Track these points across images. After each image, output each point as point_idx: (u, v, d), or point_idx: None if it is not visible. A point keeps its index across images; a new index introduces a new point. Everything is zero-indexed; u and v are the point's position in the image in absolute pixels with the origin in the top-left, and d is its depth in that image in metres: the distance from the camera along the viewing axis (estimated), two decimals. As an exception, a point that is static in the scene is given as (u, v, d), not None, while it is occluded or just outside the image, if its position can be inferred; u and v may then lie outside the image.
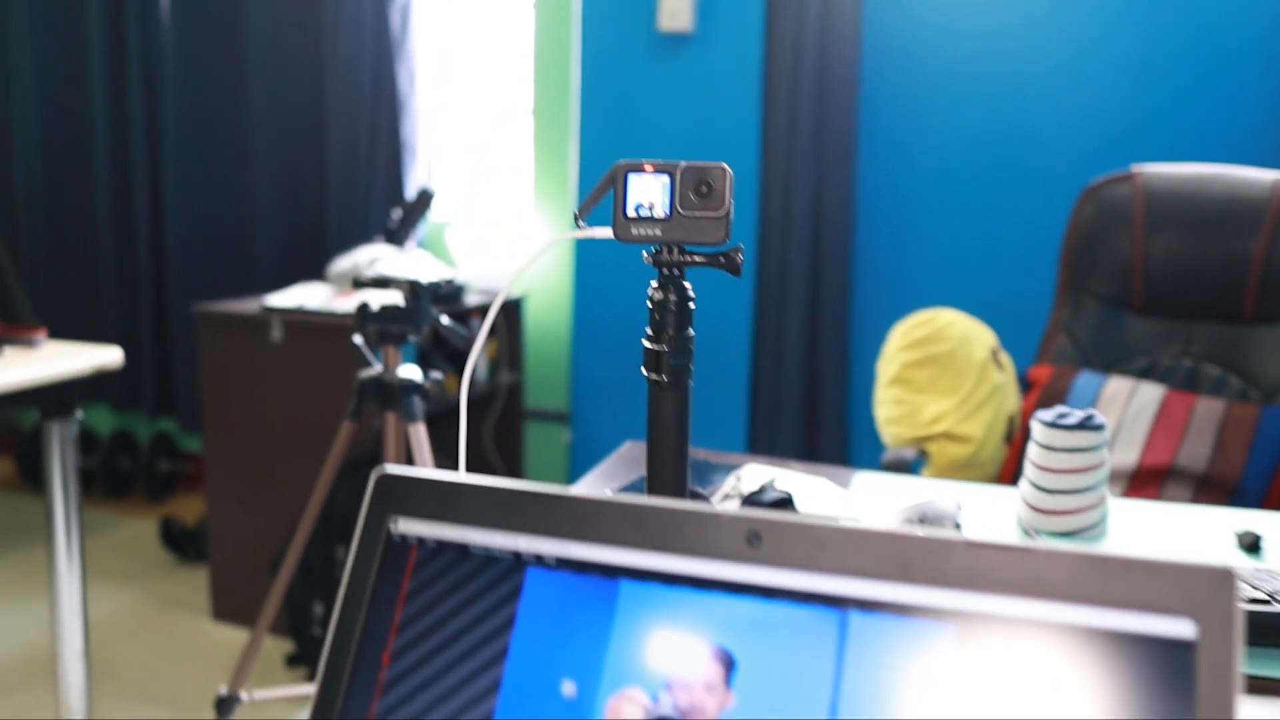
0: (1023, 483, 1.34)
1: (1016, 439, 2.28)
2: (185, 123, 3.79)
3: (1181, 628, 0.50)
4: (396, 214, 3.31)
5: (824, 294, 3.13)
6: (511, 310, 3.47)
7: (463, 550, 0.62)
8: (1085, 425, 1.29)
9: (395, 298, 1.60)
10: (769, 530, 0.57)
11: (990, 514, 1.36)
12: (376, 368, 1.62)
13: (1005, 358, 2.34)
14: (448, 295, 3.06)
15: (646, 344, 0.89)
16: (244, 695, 1.77)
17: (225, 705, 1.76)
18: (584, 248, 3.36)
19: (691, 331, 0.89)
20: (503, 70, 3.70)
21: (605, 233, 0.88)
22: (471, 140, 3.78)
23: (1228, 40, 2.83)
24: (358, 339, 1.66)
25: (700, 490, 1.34)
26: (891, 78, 3.13)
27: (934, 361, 2.26)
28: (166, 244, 3.89)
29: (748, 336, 3.22)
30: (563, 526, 0.61)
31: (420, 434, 1.60)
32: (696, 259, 0.87)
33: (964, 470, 2.21)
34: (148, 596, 3.33)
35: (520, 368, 3.53)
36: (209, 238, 3.85)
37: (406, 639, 0.62)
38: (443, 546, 0.63)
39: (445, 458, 2.81)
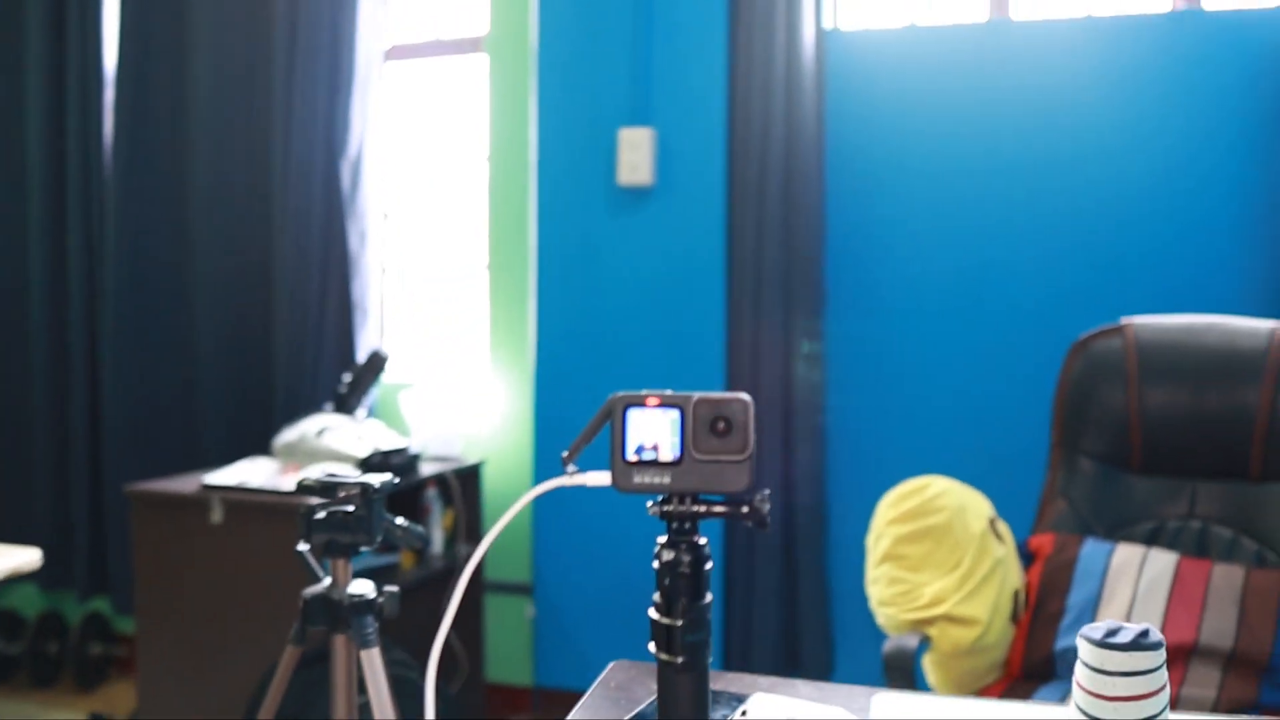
0: (1072, 709, 1.16)
1: (1024, 618, 2.11)
2: (125, 290, 3.62)
3: None
4: (347, 378, 3.14)
5: (797, 462, 2.97)
6: (469, 478, 3.28)
7: None
8: (1141, 644, 1.13)
9: (343, 502, 1.42)
10: None
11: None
12: (324, 583, 1.43)
13: (1004, 527, 2.18)
14: (401, 467, 2.88)
15: (655, 615, 0.72)
16: None
17: None
18: (544, 405, 3.19)
19: (709, 597, 0.72)
20: (457, 228, 3.59)
21: (602, 479, 0.72)
22: (425, 300, 3.65)
23: (1206, 189, 2.78)
24: (303, 548, 1.47)
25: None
26: (859, 229, 3.04)
27: (928, 535, 2.10)
28: (103, 415, 3.68)
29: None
30: None
31: (375, 661, 1.40)
32: (715, 509, 0.71)
33: (970, 656, 2.03)
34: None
35: (479, 538, 3.32)
36: (149, 409, 3.65)
37: None
38: None
39: (411, 649, 2.59)
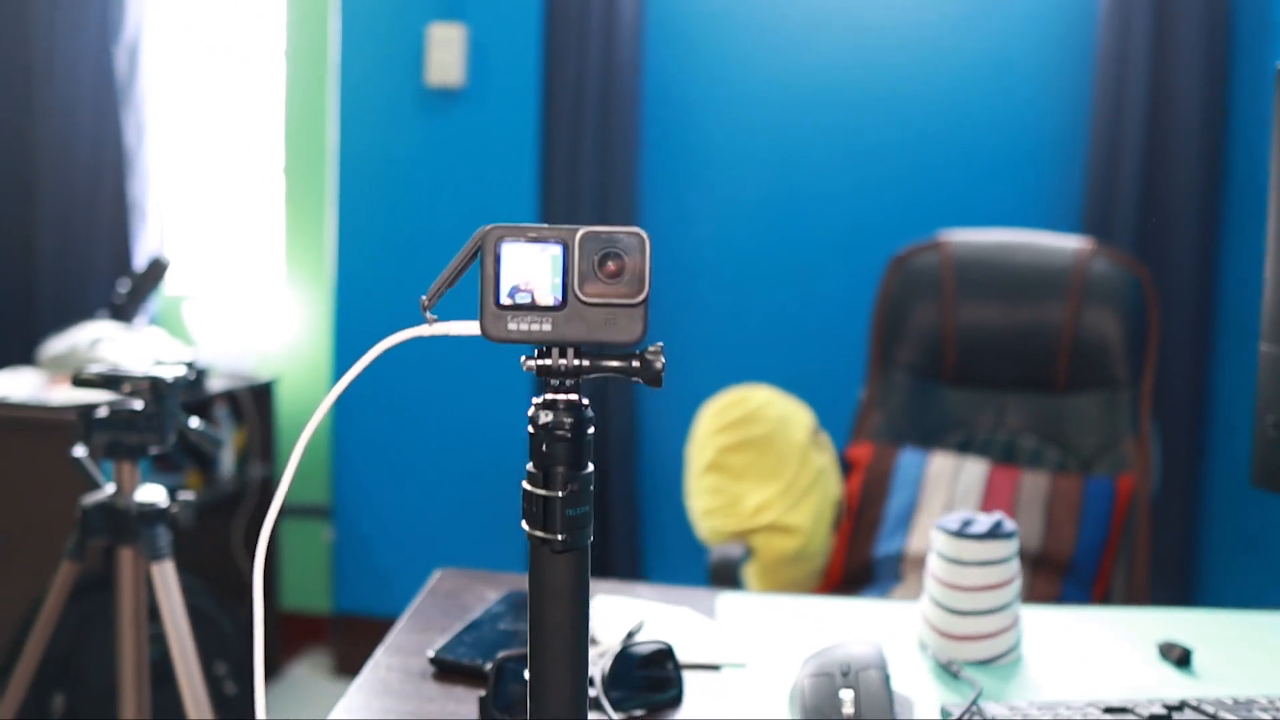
0: (925, 602, 1.14)
1: (844, 527, 2.12)
2: None
3: None
4: (124, 286, 2.86)
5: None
6: (262, 395, 3.07)
7: None
8: (996, 533, 1.11)
9: (129, 398, 1.25)
10: None
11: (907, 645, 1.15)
12: (106, 490, 1.26)
13: (824, 438, 2.18)
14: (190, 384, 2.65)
15: (529, 487, 0.62)
16: None
17: None
18: (344, 320, 3.00)
19: (591, 467, 0.63)
20: (249, 124, 3.32)
21: (468, 328, 0.61)
22: (213, 203, 3.37)
23: (1015, 108, 2.84)
24: (80, 452, 1.29)
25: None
26: (677, 136, 2.98)
27: (752, 445, 2.07)
28: None
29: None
30: None
31: (168, 575, 1.24)
32: (604, 364, 0.61)
33: (792, 565, 2.02)
34: None
35: (273, 459, 3.12)
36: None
37: None
38: None
39: (198, 575, 2.39)
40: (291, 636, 3.25)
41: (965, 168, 2.86)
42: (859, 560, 2.08)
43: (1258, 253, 2.59)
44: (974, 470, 2.11)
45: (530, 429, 0.62)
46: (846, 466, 2.21)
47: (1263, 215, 2.46)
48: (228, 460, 2.96)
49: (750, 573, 2.05)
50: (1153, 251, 2.72)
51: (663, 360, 0.61)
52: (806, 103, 2.92)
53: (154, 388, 1.22)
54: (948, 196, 2.86)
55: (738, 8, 2.93)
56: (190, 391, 2.69)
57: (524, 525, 0.62)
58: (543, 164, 2.94)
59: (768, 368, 2.84)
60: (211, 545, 2.96)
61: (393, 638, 1.08)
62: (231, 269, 3.34)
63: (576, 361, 0.61)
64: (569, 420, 0.61)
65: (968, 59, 2.85)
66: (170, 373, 1.24)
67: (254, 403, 3.01)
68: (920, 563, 2.04)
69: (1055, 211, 2.83)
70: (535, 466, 0.62)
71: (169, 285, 3.18)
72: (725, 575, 1.91)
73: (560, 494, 0.60)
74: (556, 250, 0.59)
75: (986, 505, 2.06)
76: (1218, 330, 2.77)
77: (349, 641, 3.10)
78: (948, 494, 2.08)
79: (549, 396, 0.61)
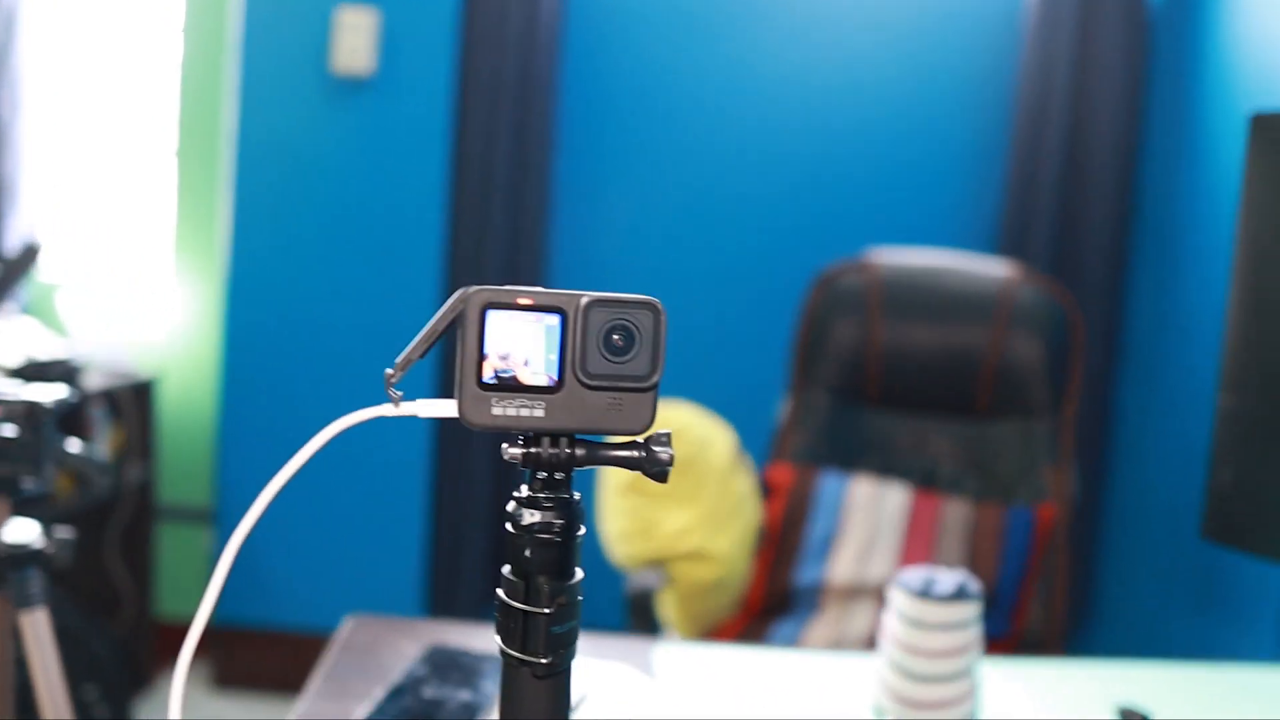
0: (882, 664, 1.07)
1: (763, 553, 2.05)
2: None
3: None
4: (-9, 272, 2.64)
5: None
6: (142, 392, 2.87)
7: None
8: (961, 596, 1.04)
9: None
10: None
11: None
12: (-31, 525, 1.11)
13: (745, 460, 2.11)
14: (62, 376, 2.45)
15: (506, 599, 0.52)
16: None
17: None
18: (236, 316, 2.82)
19: (580, 574, 0.53)
20: (139, 102, 3.10)
21: (443, 409, 0.51)
22: (95, 185, 3.14)
23: (944, 124, 2.83)
24: (-62, 479, 1.13)
25: None
26: (595, 137, 2.88)
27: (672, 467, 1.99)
28: None
29: (426, 445, 2.83)
30: None
31: (39, 626, 1.10)
32: (603, 454, 0.52)
33: (711, 594, 1.94)
34: None
35: (152, 460, 2.92)
36: None
37: None
38: None
39: (66, 586, 2.21)
40: (166, 646, 3.06)
41: (885, 182, 2.84)
42: (778, 588, 2.02)
43: (1164, 282, 2.62)
44: (896, 498, 2.07)
45: (509, 528, 0.52)
46: (765, 489, 2.15)
47: (1170, 245, 2.48)
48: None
49: (666, 600, 1.97)
50: (1066, 274, 2.73)
51: (670, 452, 0.52)
52: (727, 109, 2.86)
53: (30, 414, 1.08)
54: (867, 209, 2.83)
55: (661, 5, 2.85)
56: (65, 383, 2.50)
57: (497, 639, 0.52)
58: (453, 160, 2.82)
59: (681, 382, 2.77)
60: (82, 553, 2.76)
61: (306, 704, 0.97)
62: (113, 257, 3.12)
63: (570, 450, 0.51)
64: (559, 522, 0.51)
65: (891, 73, 2.82)
66: (49, 395, 1.10)
67: (133, 401, 2.82)
68: (840, 593, 1.98)
69: (972, 228, 2.83)
70: (514, 574, 0.52)
71: (42, 272, 2.96)
72: (643, 607, 1.83)
73: (546, 610, 0.51)
74: (553, 320, 0.50)
75: (910, 534, 2.01)
76: (1123, 359, 2.79)
77: (228, 653, 2.93)
78: (870, 521, 2.03)
79: (533, 493, 0.52)
